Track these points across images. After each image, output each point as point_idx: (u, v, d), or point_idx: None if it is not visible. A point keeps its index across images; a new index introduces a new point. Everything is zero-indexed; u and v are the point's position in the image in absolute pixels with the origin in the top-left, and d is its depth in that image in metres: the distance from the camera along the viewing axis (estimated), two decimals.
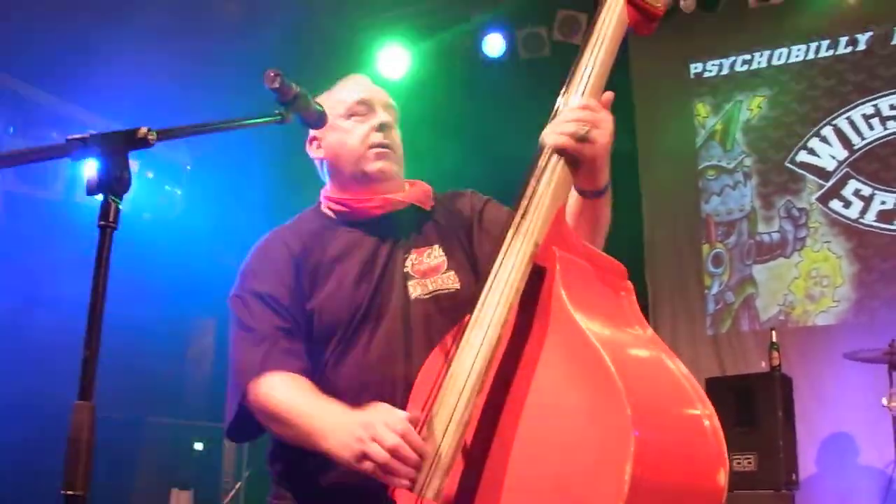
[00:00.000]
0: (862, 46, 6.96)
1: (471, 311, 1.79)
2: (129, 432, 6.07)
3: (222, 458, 6.52)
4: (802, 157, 6.95)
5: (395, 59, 7.10)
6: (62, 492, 1.37)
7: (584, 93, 1.86)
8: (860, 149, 6.84)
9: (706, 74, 7.36)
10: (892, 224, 6.62)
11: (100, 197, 1.48)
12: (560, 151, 1.81)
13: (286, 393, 2.03)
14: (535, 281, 1.73)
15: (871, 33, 6.92)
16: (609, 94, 1.90)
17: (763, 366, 6.03)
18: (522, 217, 1.80)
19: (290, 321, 2.14)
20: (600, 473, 1.47)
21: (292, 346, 2.12)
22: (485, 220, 2.31)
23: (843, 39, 7.00)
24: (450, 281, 2.19)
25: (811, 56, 7.06)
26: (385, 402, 1.88)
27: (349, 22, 6.84)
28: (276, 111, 1.82)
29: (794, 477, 5.33)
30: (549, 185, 1.79)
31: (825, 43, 7.02)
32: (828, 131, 6.93)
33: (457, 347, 1.78)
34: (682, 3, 6.58)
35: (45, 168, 5.88)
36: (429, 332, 2.10)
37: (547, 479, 1.57)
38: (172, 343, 6.77)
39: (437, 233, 2.27)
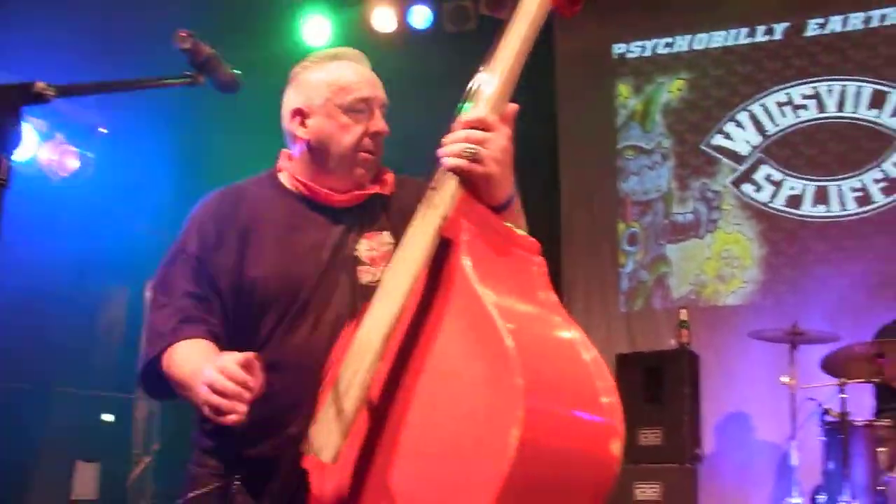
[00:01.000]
0: (778, 36, 7.14)
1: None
2: (35, 402, 5.93)
3: (131, 431, 6.40)
4: (718, 140, 7.11)
5: (317, 28, 7.01)
6: None
7: (487, 99, 1.83)
8: (773, 135, 7.03)
9: (629, 56, 7.46)
10: (799, 209, 6.83)
11: None
12: (448, 168, 1.81)
13: (187, 358, 2.03)
14: (443, 253, 1.74)
15: (787, 24, 7.10)
16: (512, 108, 1.86)
17: (672, 343, 6.19)
18: (433, 190, 1.81)
19: (209, 286, 2.14)
20: (489, 438, 1.49)
21: (207, 310, 2.13)
22: None
23: (761, 28, 7.17)
24: None
25: (730, 42, 7.21)
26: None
27: None
28: (187, 73, 1.78)
29: (697, 451, 5.49)
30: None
31: (744, 31, 7.18)
32: (743, 117, 7.09)
33: (365, 316, 1.80)
34: None
35: None
36: None
37: (440, 443, 1.61)
38: (82, 311, 6.59)
39: (389, 219, 2.27)
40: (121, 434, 6.40)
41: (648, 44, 7.40)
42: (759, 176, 6.98)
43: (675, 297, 6.83)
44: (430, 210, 1.77)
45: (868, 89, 6.98)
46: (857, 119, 6.96)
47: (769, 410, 5.89)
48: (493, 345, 1.54)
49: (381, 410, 1.74)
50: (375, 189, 2.30)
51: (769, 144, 7.02)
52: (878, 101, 6.94)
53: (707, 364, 6.08)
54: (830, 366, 5.18)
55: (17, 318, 5.44)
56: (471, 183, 1.80)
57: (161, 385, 2.12)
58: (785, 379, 5.35)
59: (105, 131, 6.60)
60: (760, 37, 7.15)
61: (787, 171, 6.92)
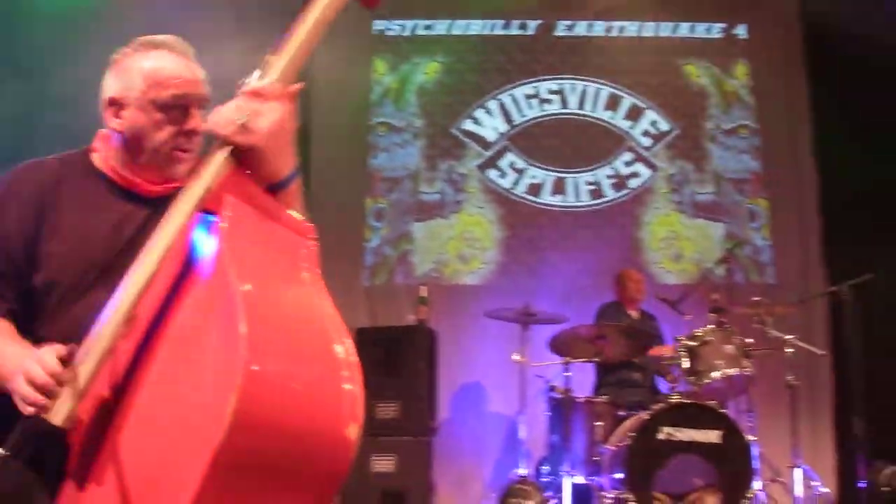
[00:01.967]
0: (531, 31, 7.47)
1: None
2: None
3: None
4: (468, 125, 7.32)
5: None
6: None
7: (273, 72, 1.77)
8: (519, 125, 7.35)
9: (388, 33, 7.50)
10: (538, 197, 7.20)
11: None
12: (215, 136, 1.75)
13: None
14: (204, 226, 1.70)
15: (540, 21, 7.45)
16: (297, 85, 1.81)
17: (412, 319, 6.30)
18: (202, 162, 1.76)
19: (8, 262, 2.09)
20: (210, 407, 1.46)
21: (5, 286, 2.09)
22: None
23: (516, 22, 7.47)
24: None
25: (487, 32, 7.45)
26: None
27: None
28: None
29: (432, 424, 5.63)
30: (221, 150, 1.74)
31: (500, 22, 7.44)
32: (493, 105, 7.36)
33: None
34: None
35: None
36: None
37: (170, 412, 1.59)
38: None
39: None
40: None
41: (409, 23, 7.48)
42: (503, 163, 7.27)
43: (418, 274, 6.97)
44: (195, 181, 1.71)
45: (605, 91, 7.49)
46: (595, 118, 7.44)
47: (501, 386, 6.17)
48: (228, 319, 1.51)
49: (125, 380, 1.70)
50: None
51: (515, 134, 7.33)
52: (613, 103, 7.47)
53: (444, 340, 6.26)
54: (557, 345, 5.48)
55: None
56: (243, 157, 1.74)
57: None
58: (516, 357, 5.61)
59: None
60: (515, 30, 7.46)
61: (529, 161, 7.27)
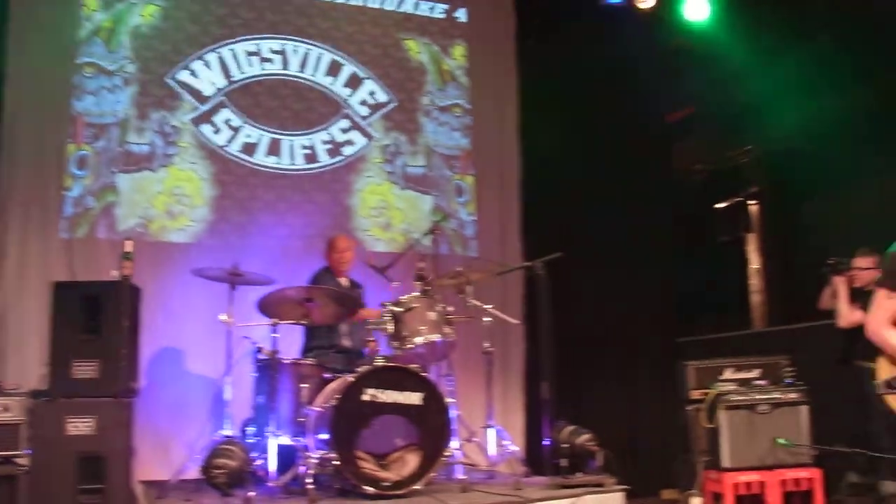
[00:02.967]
0: None
1: None
2: None
3: None
4: (184, 76, 7.03)
5: None
6: None
7: None
8: (238, 81, 7.18)
9: None
10: (253, 157, 7.09)
11: None
12: None
13: None
14: None
15: None
16: None
17: (114, 274, 5.96)
18: None
19: None
20: None
21: None
22: None
23: None
24: None
25: None
26: None
27: None
28: None
29: (134, 384, 5.40)
30: None
31: None
32: (212, 57, 7.12)
33: None
34: None
35: None
36: None
37: None
38: None
39: None
40: None
41: None
42: (219, 119, 7.07)
43: (122, 228, 6.60)
44: None
45: (328, 57, 7.50)
46: (315, 83, 7.44)
47: (208, 347, 6.02)
48: None
49: None
50: None
51: (233, 90, 7.15)
52: (334, 69, 7.51)
53: (149, 298, 6.01)
54: (265, 307, 5.43)
55: None
56: None
57: None
58: (223, 317, 5.52)
59: None
60: None
61: (246, 119, 7.12)
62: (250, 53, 7.25)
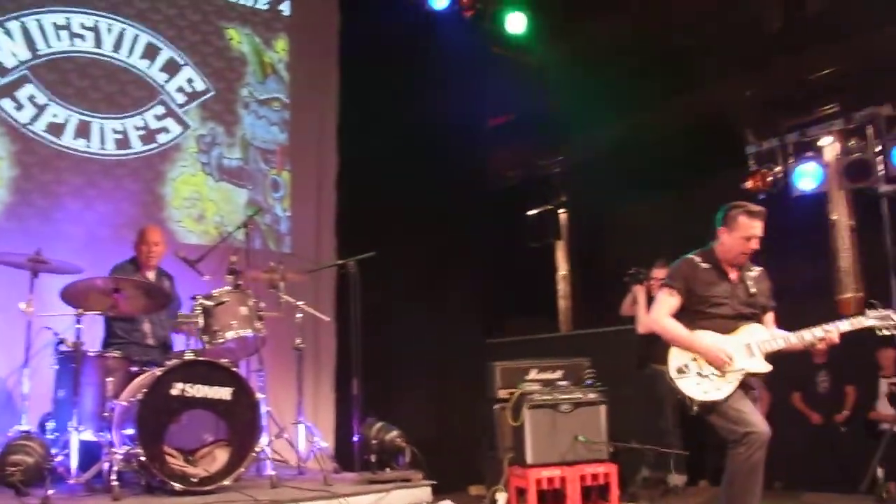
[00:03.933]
0: None
1: None
2: None
3: None
4: None
5: None
6: None
7: None
8: (44, 55, 6.76)
9: None
10: (60, 139, 6.70)
11: None
12: None
13: None
14: None
15: None
16: None
17: None
18: None
19: None
20: None
21: None
22: None
23: None
24: None
25: None
26: None
27: None
28: None
29: None
30: None
31: None
32: (14, 26, 6.65)
33: None
34: None
35: None
36: None
37: None
38: None
39: None
40: None
41: None
42: (22, 94, 6.63)
43: None
44: None
45: (144, 39, 7.21)
46: (130, 65, 7.13)
47: (4, 338, 5.62)
48: None
49: None
50: None
51: (38, 64, 6.73)
52: (151, 53, 7.22)
53: None
54: (70, 296, 5.15)
55: None
56: None
57: None
58: (23, 306, 5.20)
59: None
60: None
61: (52, 97, 6.73)
62: (59, 27, 6.84)
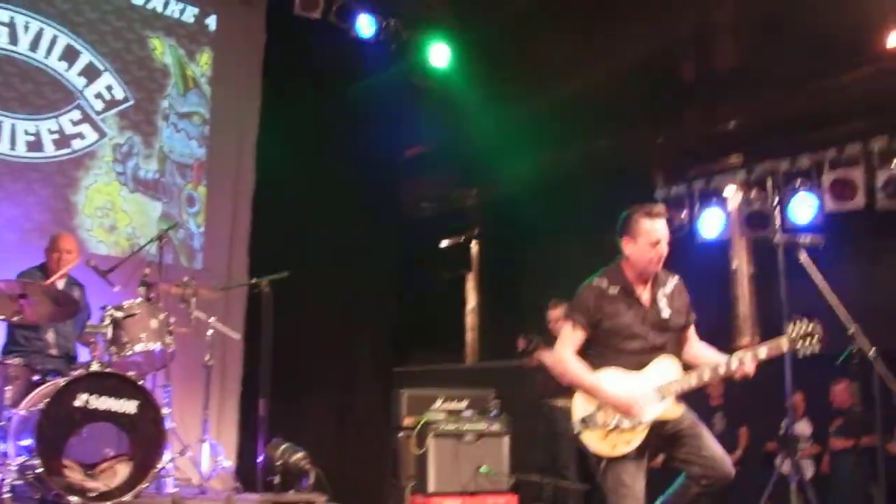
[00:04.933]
0: None
1: None
2: None
3: None
4: None
5: None
6: None
7: None
8: None
9: None
10: None
11: None
12: None
13: None
14: None
15: None
16: None
17: None
18: None
19: None
20: None
21: None
22: None
23: None
24: None
25: None
26: None
27: None
28: None
29: None
30: None
31: None
32: None
33: None
34: None
35: None
36: None
37: None
38: None
39: None
40: None
41: None
42: None
43: None
44: None
45: (64, 40, 7.06)
46: (46, 65, 6.97)
47: None
48: None
49: None
50: None
51: None
52: (70, 55, 7.08)
53: None
54: None
55: None
56: None
57: None
58: None
59: None
60: None
61: None
62: None
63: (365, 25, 8.34)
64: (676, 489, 3.86)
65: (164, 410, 5.10)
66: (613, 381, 3.80)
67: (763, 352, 3.74)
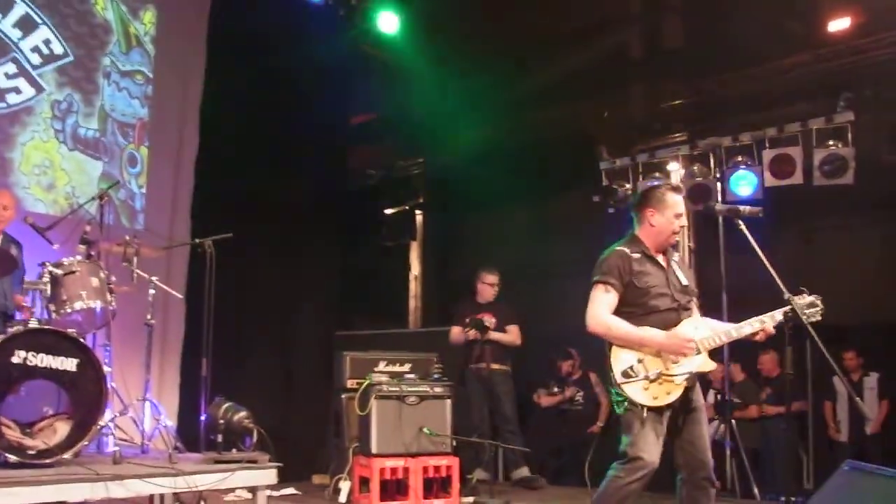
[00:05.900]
0: None
1: None
2: None
3: None
4: None
5: None
6: None
7: None
8: None
9: None
10: None
11: None
12: None
13: None
14: None
15: None
16: None
17: None
18: None
19: None
20: None
21: None
22: None
23: None
24: None
25: None
26: None
27: None
28: None
29: None
30: None
31: None
32: None
33: None
34: None
35: None
36: None
37: None
38: None
39: None
40: None
41: None
42: None
43: None
44: None
45: None
46: None
47: None
48: None
49: None
50: None
51: None
52: (4, 6, 6.87)
53: None
54: None
55: None
56: None
57: None
58: None
59: None
60: None
61: None
62: None
63: None
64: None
65: (106, 369, 5.03)
66: (654, 329, 4.00)
67: (779, 315, 3.95)
